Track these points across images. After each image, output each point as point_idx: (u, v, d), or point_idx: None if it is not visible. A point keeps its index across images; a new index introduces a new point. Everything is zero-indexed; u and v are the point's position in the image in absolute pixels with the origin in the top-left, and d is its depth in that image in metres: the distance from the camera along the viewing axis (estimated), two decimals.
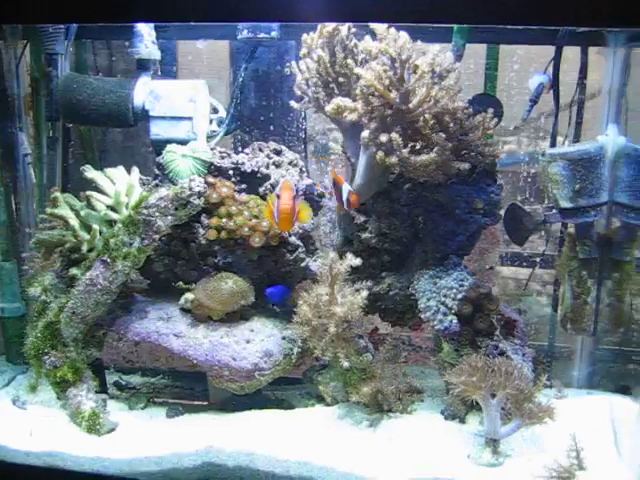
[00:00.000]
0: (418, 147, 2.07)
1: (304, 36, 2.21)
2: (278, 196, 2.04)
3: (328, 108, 2.12)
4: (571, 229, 2.37)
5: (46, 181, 2.53)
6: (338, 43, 2.18)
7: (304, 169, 2.47)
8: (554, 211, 2.26)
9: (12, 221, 2.64)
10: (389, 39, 2.00)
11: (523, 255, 2.55)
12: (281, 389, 2.50)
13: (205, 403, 2.49)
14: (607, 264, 2.29)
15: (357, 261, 2.08)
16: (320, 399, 2.40)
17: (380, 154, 2.04)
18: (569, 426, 2.01)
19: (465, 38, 2.32)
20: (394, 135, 2.00)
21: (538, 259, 2.50)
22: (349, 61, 2.18)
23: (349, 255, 2.09)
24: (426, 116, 2.04)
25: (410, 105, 2.02)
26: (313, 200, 2.41)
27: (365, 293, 2.06)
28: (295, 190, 2.10)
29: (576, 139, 2.40)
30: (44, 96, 2.48)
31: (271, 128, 2.55)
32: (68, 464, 2.06)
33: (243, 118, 2.57)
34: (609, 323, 2.32)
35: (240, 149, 2.51)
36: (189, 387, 2.64)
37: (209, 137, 2.50)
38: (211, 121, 2.52)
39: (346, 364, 2.10)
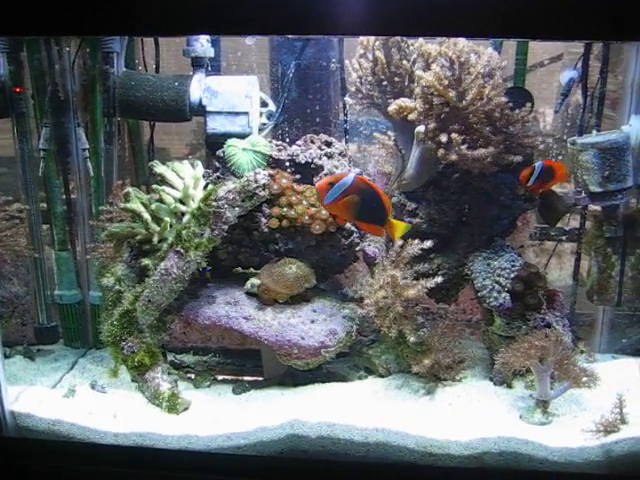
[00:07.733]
0: (472, 141, 2.27)
1: (361, 38, 2.37)
2: None
3: (390, 109, 2.31)
4: (596, 210, 2.61)
5: (103, 174, 2.63)
6: (394, 45, 2.35)
7: (352, 159, 2.64)
8: (583, 195, 2.49)
9: (68, 212, 2.74)
10: (449, 43, 2.19)
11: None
12: (327, 363, 2.67)
13: (260, 378, 2.66)
14: (630, 241, 2.55)
15: (428, 243, 2.28)
16: (368, 371, 2.61)
17: (441, 151, 2.23)
18: (604, 387, 2.23)
19: None
20: (454, 135, 2.20)
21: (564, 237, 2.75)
22: (404, 62, 2.36)
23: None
24: (478, 113, 2.24)
25: (464, 103, 2.22)
26: None
27: (439, 279, 2.25)
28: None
29: (598, 129, 2.60)
30: (101, 93, 2.56)
31: (317, 120, 2.70)
32: (157, 443, 2.20)
33: (290, 111, 2.71)
34: (632, 294, 2.59)
35: (286, 141, 2.65)
36: (240, 364, 2.77)
37: (259, 130, 2.63)
38: (261, 114, 2.65)
39: (413, 339, 2.30)
